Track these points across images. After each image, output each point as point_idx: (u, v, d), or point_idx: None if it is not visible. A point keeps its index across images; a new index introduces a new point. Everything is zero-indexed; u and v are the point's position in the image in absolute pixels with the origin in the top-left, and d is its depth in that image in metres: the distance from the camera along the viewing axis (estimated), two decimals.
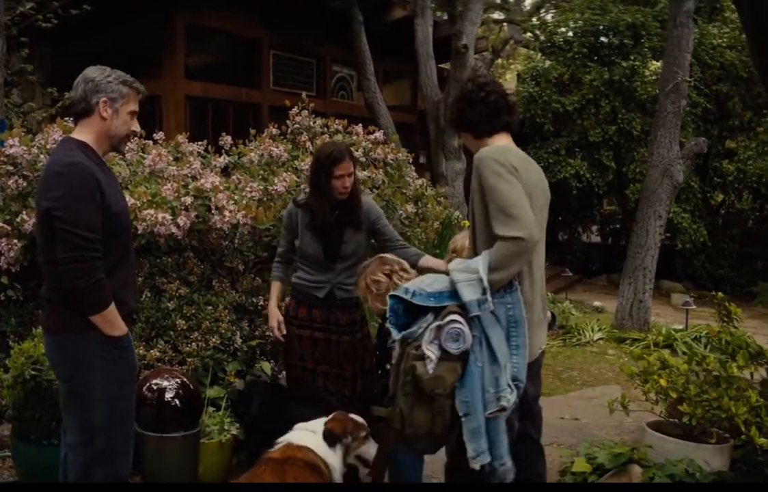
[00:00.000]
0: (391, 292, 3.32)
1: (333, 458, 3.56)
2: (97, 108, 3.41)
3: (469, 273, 3.16)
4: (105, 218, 3.29)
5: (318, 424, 3.66)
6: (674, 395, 4.64)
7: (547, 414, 6.75)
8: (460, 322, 3.07)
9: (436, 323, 3.09)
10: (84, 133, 3.45)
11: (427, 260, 4.63)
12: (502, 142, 3.56)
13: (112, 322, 3.32)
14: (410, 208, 6.62)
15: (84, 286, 3.20)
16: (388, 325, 3.29)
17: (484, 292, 3.11)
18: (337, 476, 3.56)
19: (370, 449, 3.69)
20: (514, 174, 3.25)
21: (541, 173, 3.62)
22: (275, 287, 4.85)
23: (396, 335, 3.21)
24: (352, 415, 3.79)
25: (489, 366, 3.12)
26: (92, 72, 3.46)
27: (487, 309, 3.11)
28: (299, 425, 3.71)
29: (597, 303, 13.83)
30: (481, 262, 3.16)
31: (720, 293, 5.35)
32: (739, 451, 4.82)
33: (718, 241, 16.35)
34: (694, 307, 11.01)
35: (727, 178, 15.55)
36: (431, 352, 3.07)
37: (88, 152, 3.38)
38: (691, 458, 4.44)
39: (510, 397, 3.10)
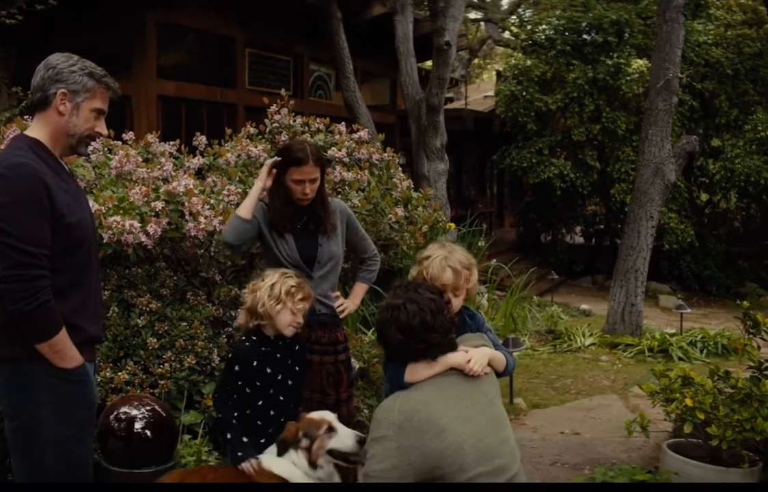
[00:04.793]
0: None
1: (293, 469, 3.31)
2: (54, 100, 2.95)
3: None
4: (56, 230, 2.84)
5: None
6: (701, 416, 4.22)
7: (546, 428, 6.49)
8: None
9: None
10: (38, 129, 2.99)
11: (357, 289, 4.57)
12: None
13: (62, 352, 2.87)
14: (399, 211, 6.21)
15: (27, 310, 2.75)
16: None
17: None
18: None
19: (344, 441, 3.31)
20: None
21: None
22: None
23: None
24: (309, 415, 3.45)
25: None
26: (55, 58, 3.00)
27: None
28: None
29: (584, 306, 13.57)
30: None
31: (746, 302, 4.94)
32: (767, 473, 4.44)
33: (704, 242, 16.17)
34: (689, 310, 10.70)
35: (713, 177, 15.31)
36: None
37: (40, 152, 2.92)
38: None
39: None
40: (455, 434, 2.86)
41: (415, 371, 3.09)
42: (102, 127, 3.12)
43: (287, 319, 3.69)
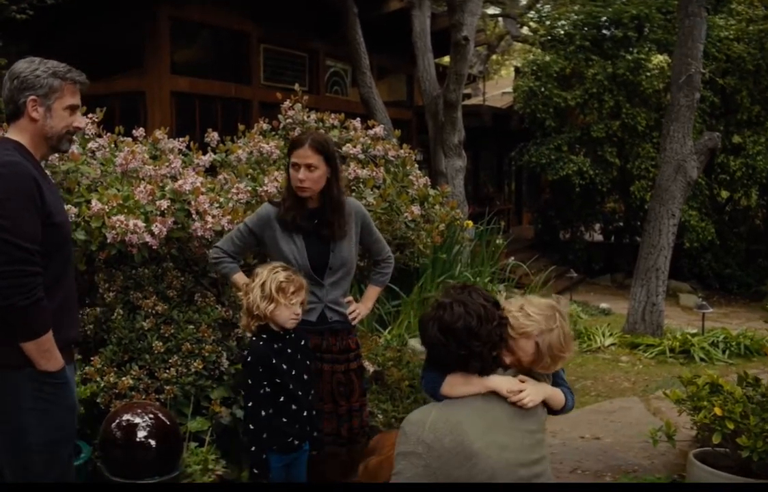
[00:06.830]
0: None
1: None
2: (25, 108, 2.95)
3: None
4: (44, 228, 2.86)
5: None
6: (731, 426, 4.04)
7: (566, 432, 6.29)
8: None
9: None
10: (18, 136, 2.98)
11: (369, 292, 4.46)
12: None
13: (48, 352, 2.86)
14: (416, 210, 6.05)
15: (23, 305, 2.76)
16: None
17: None
18: None
19: None
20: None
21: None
22: (241, 276, 4.13)
23: None
24: None
25: None
26: (19, 67, 2.99)
27: None
28: None
29: (604, 304, 13.38)
30: None
31: None
32: None
33: (725, 240, 15.98)
34: (711, 310, 10.47)
35: (734, 174, 15.09)
36: None
37: (25, 155, 2.93)
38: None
39: None
40: (488, 461, 2.65)
41: (454, 386, 2.84)
42: (79, 121, 3.13)
43: (285, 315, 3.60)
